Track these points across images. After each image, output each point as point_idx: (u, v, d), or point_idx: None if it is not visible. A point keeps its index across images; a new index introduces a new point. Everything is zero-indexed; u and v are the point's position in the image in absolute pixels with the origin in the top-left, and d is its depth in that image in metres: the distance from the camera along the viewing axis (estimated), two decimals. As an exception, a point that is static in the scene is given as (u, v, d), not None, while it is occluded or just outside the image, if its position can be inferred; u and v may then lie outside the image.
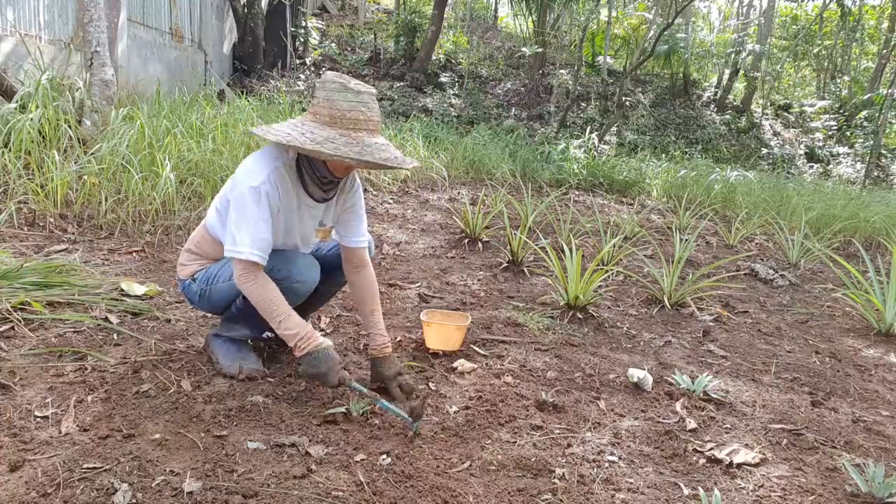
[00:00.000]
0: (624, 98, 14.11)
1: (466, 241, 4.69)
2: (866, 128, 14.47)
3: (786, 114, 16.71)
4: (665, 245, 5.40)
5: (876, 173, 13.56)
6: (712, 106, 15.84)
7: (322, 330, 2.75)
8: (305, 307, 2.42)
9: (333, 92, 1.91)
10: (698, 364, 2.84)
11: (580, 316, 3.25)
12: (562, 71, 14.65)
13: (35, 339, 2.26)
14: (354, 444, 1.85)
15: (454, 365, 2.47)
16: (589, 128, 11.48)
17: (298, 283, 2.06)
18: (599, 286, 3.78)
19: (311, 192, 2.08)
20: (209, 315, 2.54)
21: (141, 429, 1.79)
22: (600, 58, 14.72)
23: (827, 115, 16.10)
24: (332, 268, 2.32)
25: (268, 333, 2.50)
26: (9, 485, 1.50)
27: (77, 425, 1.77)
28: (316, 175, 2.04)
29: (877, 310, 3.64)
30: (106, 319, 2.48)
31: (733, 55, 15.83)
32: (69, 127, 4.09)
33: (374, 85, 12.12)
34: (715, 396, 2.42)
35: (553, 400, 2.23)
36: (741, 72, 16.07)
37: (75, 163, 3.86)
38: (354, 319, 2.90)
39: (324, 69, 12.12)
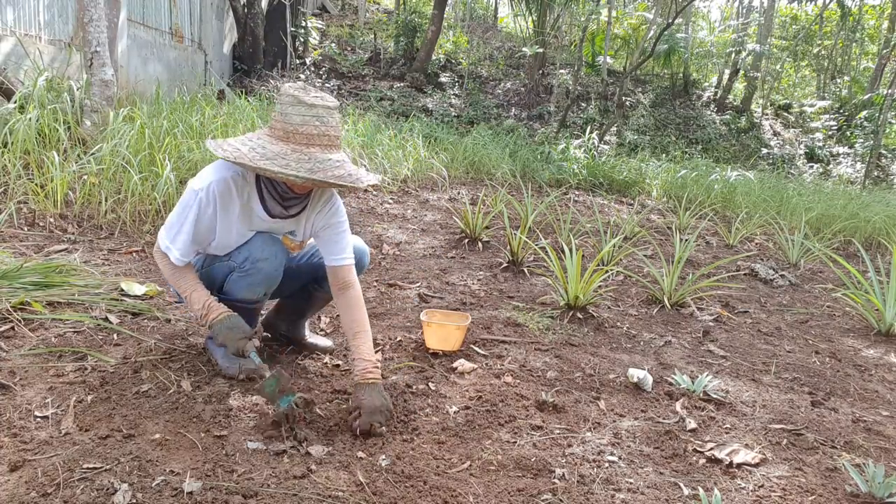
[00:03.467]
0: (624, 98, 14.11)
1: (466, 241, 4.70)
2: (866, 128, 14.47)
3: (786, 114, 16.72)
4: (665, 245, 5.40)
5: (876, 173, 13.56)
6: (712, 106, 15.84)
7: (322, 330, 2.75)
8: (303, 309, 2.42)
9: (287, 105, 1.84)
10: (698, 364, 2.84)
11: (580, 316, 3.25)
12: (562, 71, 14.65)
13: (35, 339, 2.26)
14: (354, 444, 1.85)
15: (454, 365, 2.47)
16: (589, 128, 11.48)
17: (262, 262, 2.02)
18: (599, 286, 3.78)
19: (269, 207, 2.01)
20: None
21: (141, 429, 1.79)
22: (600, 58, 14.72)
23: (827, 115, 16.10)
24: (324, 274, 2.21)
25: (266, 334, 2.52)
26: (9, 485, 1.50)
27: (77, 425, 1.77)
28: (276, 190, 1.99)
29: (877, 310, 3.64)
30: (106, 319, 2.48)
31: (733, 55, 15.84)
32: (68, 127, 4.09)
33: (374, 85, 12.14)
34: (715, 396, 2.42)
35: (553, 400, 2.23)
36: (741, 72, 16.08)
37: (75, 163, 3.86)
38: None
39: (324, 69, 12.13)
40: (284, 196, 2.01)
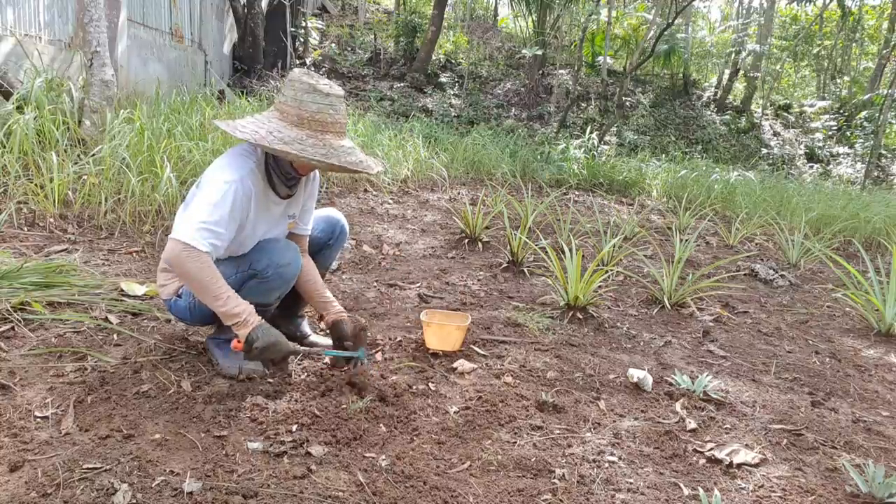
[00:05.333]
0: (624, 98, 14.11)
1: (466, 241, 4.69)
2: (866, 128, 14.47)
3: (786, 114, 16.71)
4: (665, 245, 5.40)
5: (876, 173, 13.56)
6: (712, 106, 15.84)
7: (322, 330, 2.75)
8: (295, 296, 2.42)
9: (302, 92, 1.92)
10: (698, 364, 2.84)
11: (580, 316, 3.25)
12: (562, 71, 14.65)
13: (35, 339, 2.26)
14: (354, 444, 1.85)
15: (454, 365, 2.47)
16: (589, 128, 11.48)
17: (284, 268, 2.08)
18: (599, 286, 3.78)
19: (278, 189, 2.11)
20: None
21: (141, 429, 1.79)
22: (600, 58, 14.71)
23: (827, 116, 16.10)
24: (319, 249, 2.43)
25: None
26: (9, 485, 1.50)
27: (77, 425, 1.77)
28: (281, 172, 2.08)
29: (877, 310, 3.64)
30: (106, 319, 2.48)
31: (733, 55, 15.84)
32: (68, 128, 4.09)
33: (374, 85, 12.13)
34: (715, 396, 2.42)
35: (553, 400, 2.23)
36: (741, 72, 16.08)
37: (75, 163, 3.85)
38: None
39: (324, 69, 12.13)
40: (288, 177, 2.10)
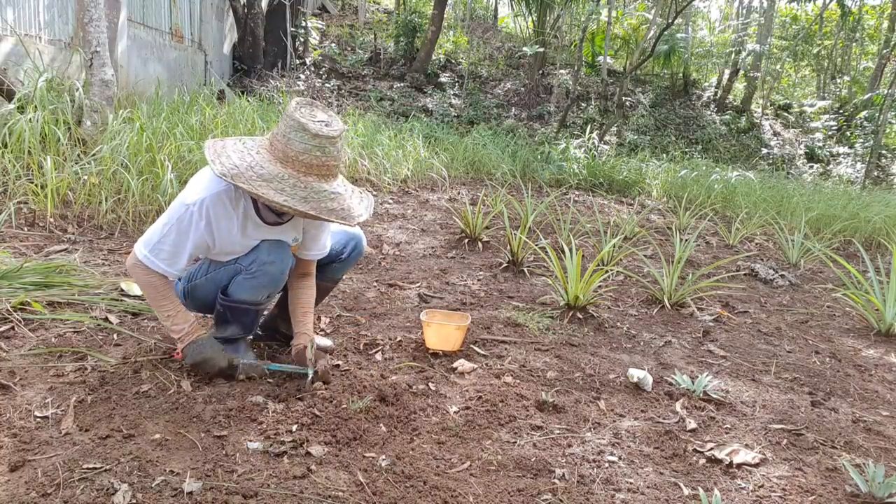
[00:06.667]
0: (624, 98, 14.11)
1: (466, 241, 4.69)
2: (866, 128, 14.47)
3: (786, 114, 16.71)
4: (665, 245, 5.40)
5: (876, 173, 13.56)
6: (712, 106, 15.84)
7: (322, 330, 2.75)
8: None
9: (291, 129, 1.83)
10: (698, 364, 2.84)
11: (580, 316, 3.25)
12: (562, 71, 14.65)
13: (35, 339, 2.26)
14: (354, 444, 1.85)
15: (454, 365, 2.47)
16: (589, 128, 11.48)
17: (268, 265, 2.05)
18: (599, 286, 3.78)
19: (264, 215, 2.03)
20: (208, 316, 2.54)
21: (141, 429, 1.79)
22: (600, 58, 14.71)
23: (827, 115, 16.10)
24: (331, 261, 2.38)
25: (258, 331, 2.51)
26: (9, 485, 1.50)
27: (77, 425, 1.77)
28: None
29: (877, 310, 3.64)
30: (106, 319, 2.48)
31: (733, 55, 15.84)
32: (69, 128, 4.09)
33: (373, 85, 12.13)
34: (715, 396, 2.42)
35: (553, 400, 2.23)
36: (741, 72, 16.08)
37: (75, 163, 3.86)
38: (354, 319, 2.90)
39: (324, 69, 12.13)
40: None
